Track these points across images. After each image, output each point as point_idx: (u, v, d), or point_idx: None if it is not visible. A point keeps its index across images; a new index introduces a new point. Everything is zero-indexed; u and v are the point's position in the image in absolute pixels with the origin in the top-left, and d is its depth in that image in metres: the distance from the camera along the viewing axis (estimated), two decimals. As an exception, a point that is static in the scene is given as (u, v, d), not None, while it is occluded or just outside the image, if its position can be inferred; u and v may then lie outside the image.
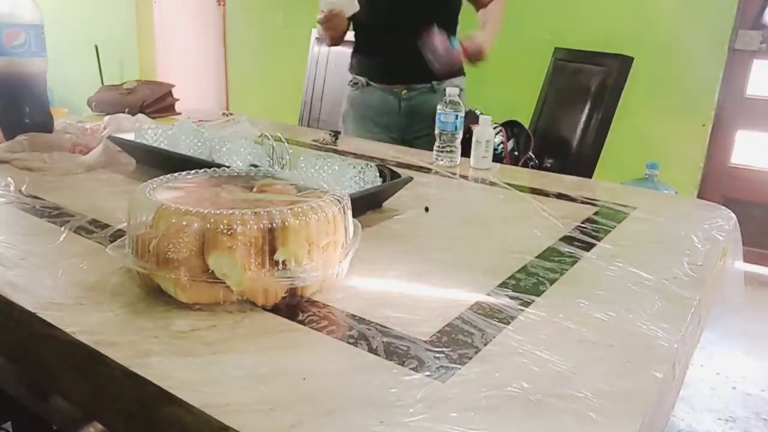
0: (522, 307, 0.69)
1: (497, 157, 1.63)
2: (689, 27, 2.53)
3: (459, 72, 1.71)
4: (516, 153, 1.70)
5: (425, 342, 0.61)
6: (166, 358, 0.56)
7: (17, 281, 0.70)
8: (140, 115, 1.43)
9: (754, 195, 2.61)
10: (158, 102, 1.81)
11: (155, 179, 0.76)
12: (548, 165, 1.69)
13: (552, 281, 0.77)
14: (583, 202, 1.15)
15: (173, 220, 0.64)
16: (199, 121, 1.30)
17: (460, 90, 1.39)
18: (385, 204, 1.05)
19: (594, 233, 0.97)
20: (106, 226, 0.88)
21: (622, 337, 0.64)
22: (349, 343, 0.60)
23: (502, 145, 1.68)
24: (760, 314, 2.37)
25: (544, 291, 0.74)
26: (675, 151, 2.63)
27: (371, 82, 1.71)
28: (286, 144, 1.06)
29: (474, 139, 1.38)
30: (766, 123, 2.57)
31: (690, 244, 0.94)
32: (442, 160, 1.40)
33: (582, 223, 1.02)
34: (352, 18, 1.55)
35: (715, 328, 2.21)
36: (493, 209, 1.12)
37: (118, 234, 0.73)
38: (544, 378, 0.56)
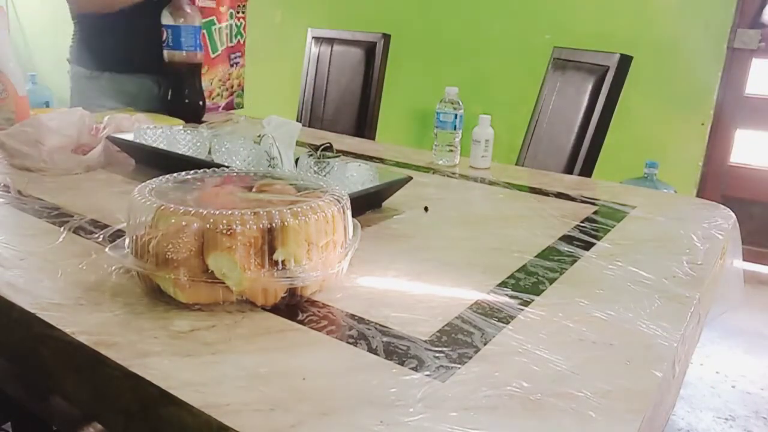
0: (522, 307, 0.69)
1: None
2: (688, 26, 2.53)
3: None
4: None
5: (425, 342, 0.61)
6: (166, 358, 0.56)
7: (16, 282, 0.70)
8: (139, 115, 1.43)
9: (753, 194, 2.61)
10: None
11: (155, 179, 0.76)
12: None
13: (551, 280, 0.77)
14: (582, 202, 1.15)
15: (173, 220, 0.64)
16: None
17: None
18: (385, 204, 1.05)
19: (593, 232, 0.97)
20: (106, 226, 0.88)
21: (621, 336, 0.64)
22: (349, 342, 0.60)
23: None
24: (759, 313, 2.37)
25: (543, 290, 0.74)
26: (674, 149, 2.63)
27: None
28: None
29: (473, 138, 1.38)
30: (765, 122, 2.57)
31: (689, 243, 0.94)
32: (441, 159, 1.40)
33: (581, 222, 1.02)
34: None
35: (714, 326, 2.21)
36: (492, 209, 1.12)
37: (118, 234, 0.73)
38: (544, 377, 0.56)
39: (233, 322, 0.63)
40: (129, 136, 1.24)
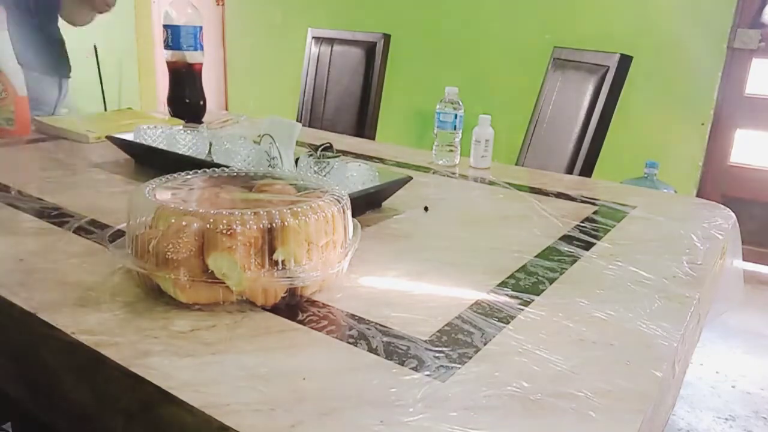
0: (522, 307, 0.69)
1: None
2: (688, 26, 2.53)
3: None
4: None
5: (425, 341, 0.61)
6: (166, 358, 0.56)
7: (17, 282, 0.70)
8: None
9: (753, 193, 2.61)
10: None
11: (155, 179, 0.76)
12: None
13: (551, 280, 0.77)
14: (582, 201, 1.15)
15: (173, 220, 0.64)
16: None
17: None
18: (385, 204, 1.05)
19: (593, 232, 0.97)
20: (106, 226, 0.88)
21: (621, 336, 0.64)
22: (349, 342, 0.60)
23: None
24: (759, 313, 2.37)
25: (543, 290, 0.74)
26: (674, 149, 2.63)
27: None
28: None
29: (473, 138, 1.38)
30: (765, 122, 2.57)
31: (689, 243, 0.94)
32: (441, 159, 1.40)
33: (581, 222, 1.02)
34: None
35: (714, 326, 2.21)
36: (492, 208, 1.12)
37: (118, 234, 0.73)
38: (544, 377, 0.56)
39: (233, 322, 0.63)
40: (129, 136, 1.24)
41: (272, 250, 0.64)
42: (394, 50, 2.00)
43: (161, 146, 1.21)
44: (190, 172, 0.80)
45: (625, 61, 1.50)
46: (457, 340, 0.61)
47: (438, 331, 0.63)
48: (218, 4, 4.03)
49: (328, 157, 1.06)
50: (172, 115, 1.66)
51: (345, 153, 1.41)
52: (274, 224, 0.64)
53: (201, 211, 0.64)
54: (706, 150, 2.62)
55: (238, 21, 3.89)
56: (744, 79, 2.56)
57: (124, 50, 4.34)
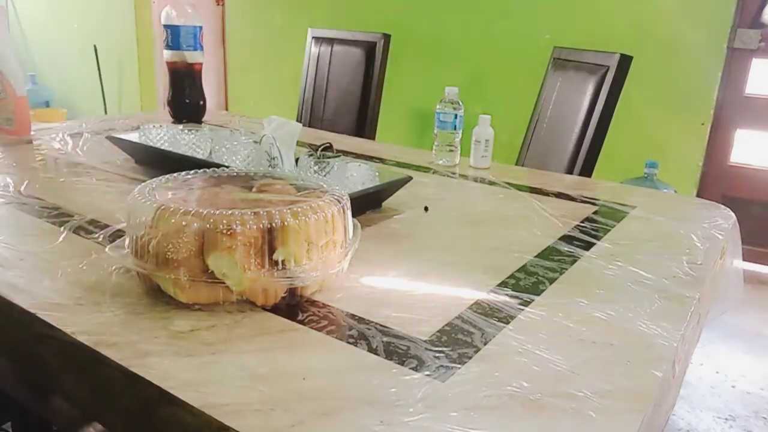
0: (522, 307, 0.69)
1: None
2: (688, 26, 2.53)
3: None
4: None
5: (425, 341, 0.61)
6: (166, 358, 0.56)
7: (17, 282, 0.70)
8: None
9: (753, 193, 2.61)
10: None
11: (155, 179, 0.76)
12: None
13: (551, 280, 0.77)
14: (582, 201, 1.15)
15: (173, 221, 0.64)
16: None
17: None
18: (385, 204, 1.05)
19: (593, 232, 0.97)
20: (106, 226, 0.88)
21: (621, 336, 0.64)
22: (349, 342, 0.60)
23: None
24: (759, 313, 2.37)
25: (543, 290, 0.74)
26: (674, 149, 2.63)
27: None
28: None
29: (473, 138, 1.38)
30: (765, 122, 2.56)
31: (689, 243, 0.94)
32: (441, 159, 1.40)
33: (581, 222, 1.02)
34: None
35: (714, 326, 2.21)
36: (492, 208, 1.12)
37: (118, 234, 0.73)
38: (544, 377, 0.56)
39: (233, 322, 0.63)
40: (129, 136, 1.24)
41: (272, 250, 0.64)
42: (394, 50, 2.00)
43: (164, 146, 1.21)
44: (190, 172, 0.80)
45: (625, 61, 1.50)
46: (457, 340, 0.61)
47: (438, 331, 0.63)
48: (218, 4, 4.03)
49: (328, 157, 1.06)
50: (172, 116, 1.67)
51: (345, 153, 1.41)
52: (274, 224, 0.64)
53: (201, 211, 0.64)
54: (706, 150, 2.61)
55: (238, 21, 3.89)
56: (744, 79, 2.56)
57: (124, 50, 4.34)
